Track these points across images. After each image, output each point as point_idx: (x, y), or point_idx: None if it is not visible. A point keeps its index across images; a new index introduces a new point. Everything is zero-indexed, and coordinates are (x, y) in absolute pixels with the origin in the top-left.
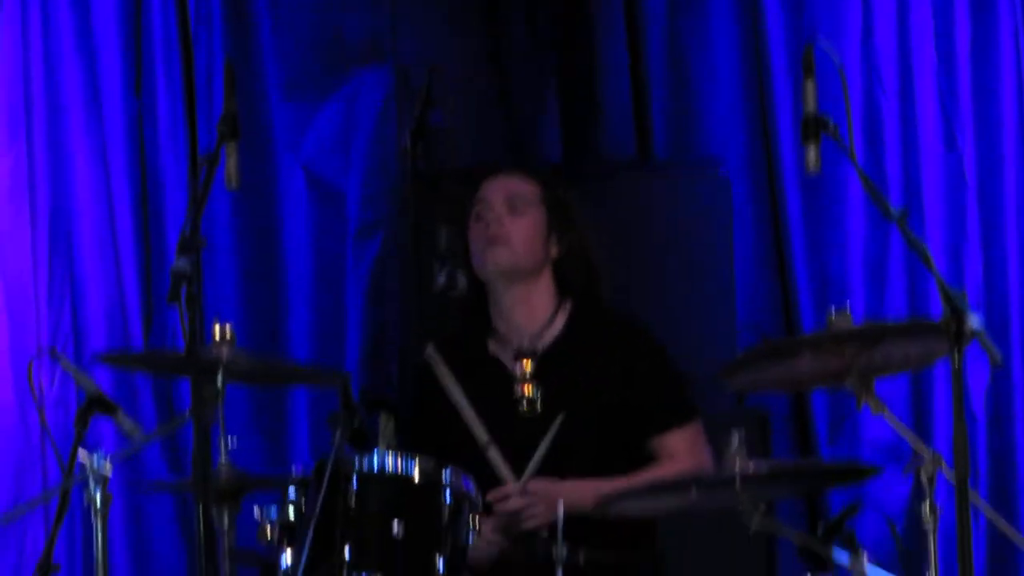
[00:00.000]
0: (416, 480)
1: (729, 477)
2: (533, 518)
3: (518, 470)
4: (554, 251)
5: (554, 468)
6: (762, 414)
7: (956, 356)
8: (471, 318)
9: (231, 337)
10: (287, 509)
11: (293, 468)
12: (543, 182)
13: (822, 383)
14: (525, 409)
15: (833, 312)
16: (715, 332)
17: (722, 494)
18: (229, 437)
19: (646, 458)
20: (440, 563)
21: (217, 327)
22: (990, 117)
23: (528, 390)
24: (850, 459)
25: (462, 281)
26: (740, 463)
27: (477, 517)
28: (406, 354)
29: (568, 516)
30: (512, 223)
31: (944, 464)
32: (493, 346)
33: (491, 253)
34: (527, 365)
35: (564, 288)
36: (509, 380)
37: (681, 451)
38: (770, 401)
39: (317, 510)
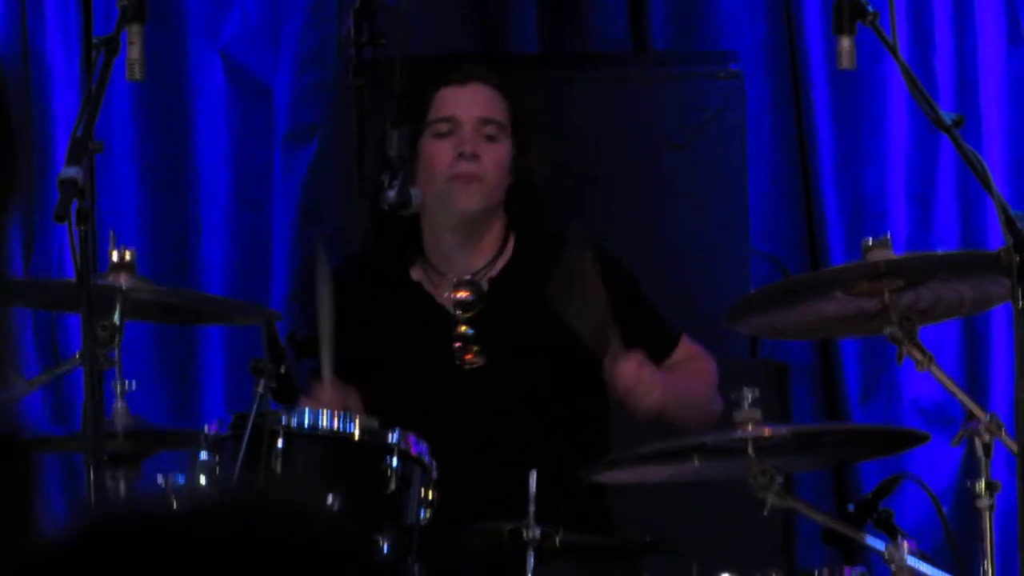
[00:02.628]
0: (356, 441)
1: (739, 443)
2: (647, 394)
3: (448, 436)
4: (509, 180)
5: (504, 426)
6: (780, 366)
7: (1020, 296)
8: (392, 233)
9: (132, 263)
10: (197, 474)
11: (205, 425)
12: (509, 96)
13: (854, 330)
14: (459, 357)
15: (869, 241)
16: (723, 264)
17: (730, 463)
18: (128, 383)
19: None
20: (384, 544)
21: (115, 251)
22: None
23: (465, 329)
24: (889, 423)
25: (416, 196)
26: (753, 426)
27: (431, 490)
28: None
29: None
30: (486, 152)
31: (1004, 431)
32: (417, 273)
33: (463, 194)
34: (464, 293)
35: (511, 220)
36: (438, 315)
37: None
38: (791, 350)
39: (234, 476)
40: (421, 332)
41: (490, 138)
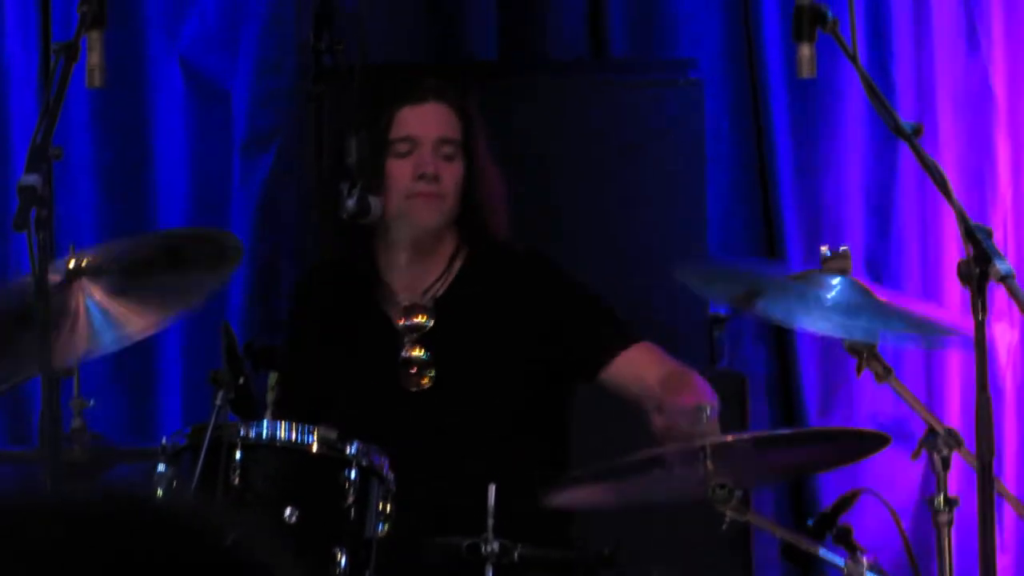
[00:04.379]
0: (314, 453)
1: (697, 452)
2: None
3: (404, 457)
4: (462, 196)
5: (457, 444)
6: (739, 377)
7: (980, 309)
8: (355, 252)
9: (91, 271)
10: (155, 487)
11: (163, 437)
12: (464, 113)
13: None
14: (413, 380)
15: (827, 251)
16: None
17: (688, 475)
18: (86, 400)
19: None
20: (341, 557)
21: (73, 258)
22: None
23: (417, 352)
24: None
25: (376, 206)
26: (712, 435)
27: (389, 504)
28: None
29: (499, 507)
30: (445, 172)
31: (963, 445)
32: (378, 295)
33: (423, 211)
34: (420, 319)
35: (463, 234)
36: (390, 335)
37: (655, 359)
38: (749, 361)
39: (193, 487)
40: (373, 351)
41: (447, 157)
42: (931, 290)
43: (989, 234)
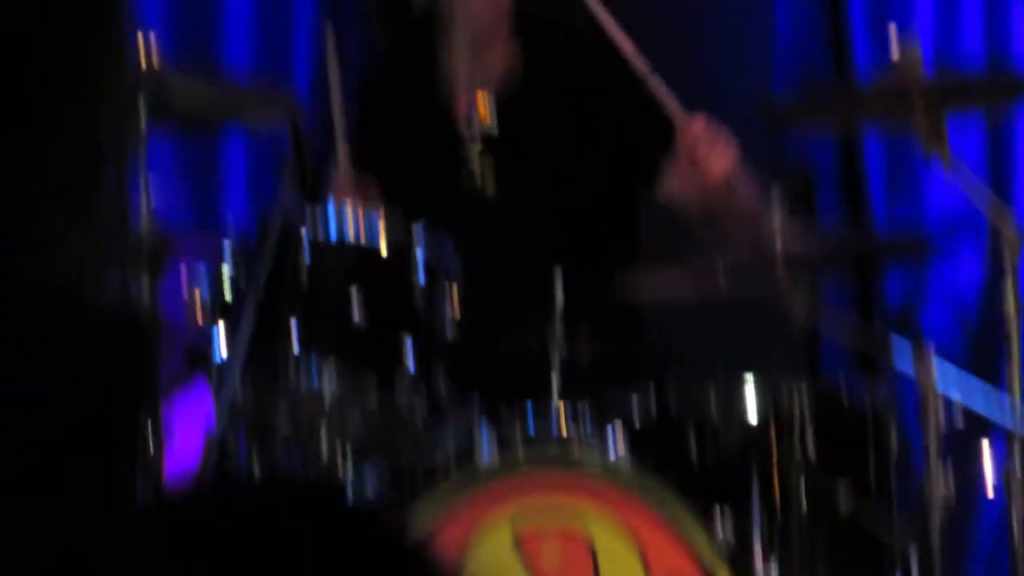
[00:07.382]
0: (383, 254)
1: (769, 257)
2: (721, 156)
3: (468, 259)
4: None
5: (525, 247)
6: (805, 168)
7: None
8: (419, 47)
9: (155, 56)
10: (222, 286)
11: (228, 231)
12: None
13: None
14: (477, 183)
15: (896, 47)
16: (748, 59)
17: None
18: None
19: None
20: (409, 349)
21: (140, 36)
22: None
23: (480, 154)
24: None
25: None
26: (782, 235)
27: (455, 286)
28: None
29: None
30: None
31: None
32: (440, 94)
33: (473, 4)
34: (482, 105)
35: (521, 26)
36: (454, 135)
37: None
38: (814, 150)
39: (261, 283)
40: (436, 154)
41: None
42: None
43: None
